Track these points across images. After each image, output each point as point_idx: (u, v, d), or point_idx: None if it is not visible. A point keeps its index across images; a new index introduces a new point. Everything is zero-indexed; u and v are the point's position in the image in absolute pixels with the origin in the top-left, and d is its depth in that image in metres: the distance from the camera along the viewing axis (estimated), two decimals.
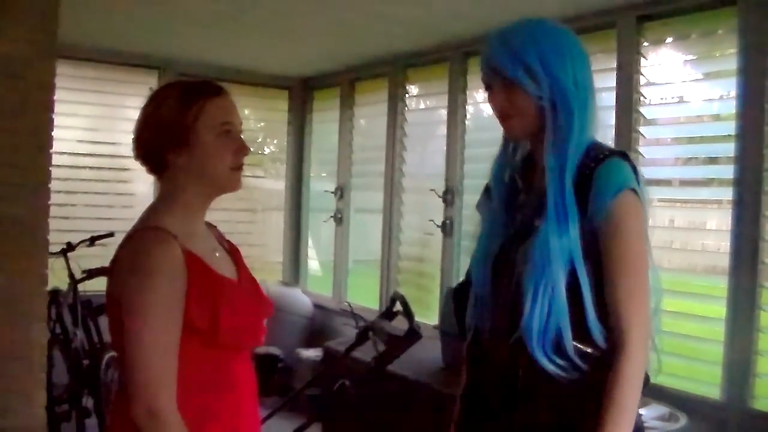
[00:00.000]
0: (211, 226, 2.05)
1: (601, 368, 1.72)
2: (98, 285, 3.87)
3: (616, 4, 3.83)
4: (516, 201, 1.95)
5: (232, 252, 2.06)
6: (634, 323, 1.72)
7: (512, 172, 1.98)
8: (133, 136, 1.89)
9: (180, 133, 1.81)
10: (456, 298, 2.04)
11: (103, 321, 2.67)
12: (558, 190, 1.77)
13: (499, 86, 1.84)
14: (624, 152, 1.86)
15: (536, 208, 1.84)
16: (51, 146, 3.60)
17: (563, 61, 1.81)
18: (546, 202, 1.78)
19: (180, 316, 1.74)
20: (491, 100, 1.88)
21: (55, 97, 3.59)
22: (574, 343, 1.73)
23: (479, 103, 5.28)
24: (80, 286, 4.65)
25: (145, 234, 1.80)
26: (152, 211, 1.89)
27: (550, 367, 1.73)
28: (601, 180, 1.75)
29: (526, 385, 1.80)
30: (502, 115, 1.87)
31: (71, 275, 4.68)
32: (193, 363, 1.79)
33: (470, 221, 5.05)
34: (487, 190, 2.06)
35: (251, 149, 1.91)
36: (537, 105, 1.81)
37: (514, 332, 1.77)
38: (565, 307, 1.73)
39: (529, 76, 1.79)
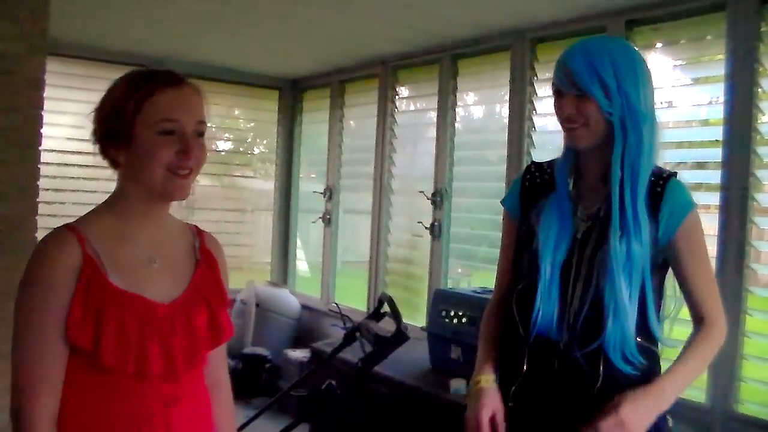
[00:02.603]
0: (189, 232, 1.84)
1: (655, 360, 1.99)
2: None
3: (606, 9, 3.84)
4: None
5: (202, 265, 1.80)
6: (719, 311, 2.01)
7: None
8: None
9: (119, 128, 1.62)
10: (520, 301, 2.05)
11: None
12: (632, 204, 1.91)
13: (571, 95, 1.92)
14: (676, 173, 2.03)
15: (603, 219, 1.96)
16: (40, 143, 3.59)
17: (636, 83, 1.91)
18: (615, 214, 1.91)
19: (60, 324, 1.56)
20: (559, 106, 1.96)
21: (44, 94, 3.59)
22: (641, 341, 1.93)
23: (468, 105, 5.30)
24: None
25: (50, 234, 1.64)
26: (92, 210, 1.72)
27: (628, 369, 1.91)
28: (674, 198, 1.95)
29: (603, 387, 1.91)
30: (568, 123, 1.95)
31: None
32: (83, 386, 1.61)
33: (459, 223, 5.07)
34: (518, 189, 2.17)
35: (200, 155, 1.65)
36: (605, 120, 1.91)
37: (592, 340, 1.91)
38: (634, 316, 1.91)
39: (603, 91, 1.88)
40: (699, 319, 2.00)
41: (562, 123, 1.98)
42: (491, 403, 1.97)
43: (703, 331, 1.98)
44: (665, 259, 1.99)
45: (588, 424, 1.83)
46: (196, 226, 1.88)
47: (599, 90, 1.87)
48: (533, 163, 2.21)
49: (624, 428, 1.80)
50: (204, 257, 1.81)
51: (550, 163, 2.14)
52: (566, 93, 1.93)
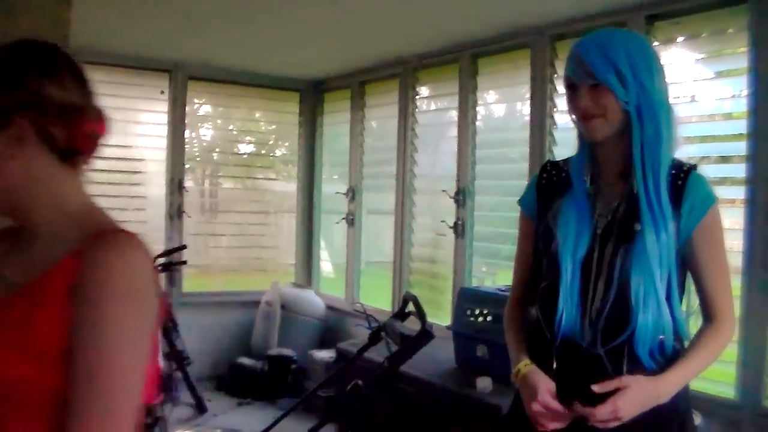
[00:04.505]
0: (77, 240, 1.26)
1: (677, 357, 1.93)
2: None
3: (626, 4, 3.82)
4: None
5: (33, 283, 1.22)
6: (731, 310, 2.00)
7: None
8: None
9: None
10: (543, 301, 2.04)
11: None
12: (656, 196, 1.89)
13: (586, 87, 1.91)
14: (696, 165, 2.00)
15: (624, 214, 1.94)
16: None
17: (650, 72, 1.90)
18: (644, 204, 1.89)
19: None
20: (575, 99, 1.94)
21: None
22: (664, 338, 1.91)
23: (489, 103, 5.29)
24: None
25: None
26: None
27: (653, 366, 1.89)
28: (696, 191, 1.93)
29: None
30: (585, 116, 1.93)
31: None
32: None
33: (482, 222, 5.06)
34: (535, 188, 2.15)
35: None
36: (622, 109, 1.89)
37: (617, 335, 1.89)
38: (667, 308, 1.89)
39: (619, 80, 1.87)
40: (710, 316, 1.98)
41: (578, 116, 1.96)
42: (542, 382, 1.93)
43: (714, 328, 1.96)
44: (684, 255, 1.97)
45: (588, 405, 1.82)
46: (98, 231, 1.28)
47: (615, 79, 1.86)
48: (549, 162, 2.20)
49: (616, 415, 1.80)
50: (49, 274, 1.23)
51: (567, 161, 2.13)
52: (581, 85, 1.91)
